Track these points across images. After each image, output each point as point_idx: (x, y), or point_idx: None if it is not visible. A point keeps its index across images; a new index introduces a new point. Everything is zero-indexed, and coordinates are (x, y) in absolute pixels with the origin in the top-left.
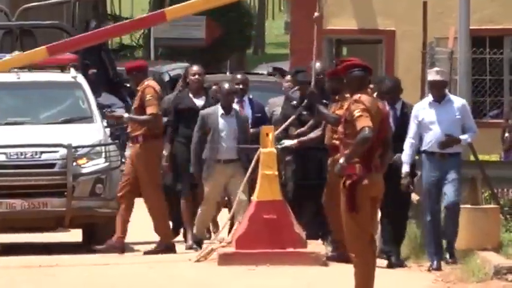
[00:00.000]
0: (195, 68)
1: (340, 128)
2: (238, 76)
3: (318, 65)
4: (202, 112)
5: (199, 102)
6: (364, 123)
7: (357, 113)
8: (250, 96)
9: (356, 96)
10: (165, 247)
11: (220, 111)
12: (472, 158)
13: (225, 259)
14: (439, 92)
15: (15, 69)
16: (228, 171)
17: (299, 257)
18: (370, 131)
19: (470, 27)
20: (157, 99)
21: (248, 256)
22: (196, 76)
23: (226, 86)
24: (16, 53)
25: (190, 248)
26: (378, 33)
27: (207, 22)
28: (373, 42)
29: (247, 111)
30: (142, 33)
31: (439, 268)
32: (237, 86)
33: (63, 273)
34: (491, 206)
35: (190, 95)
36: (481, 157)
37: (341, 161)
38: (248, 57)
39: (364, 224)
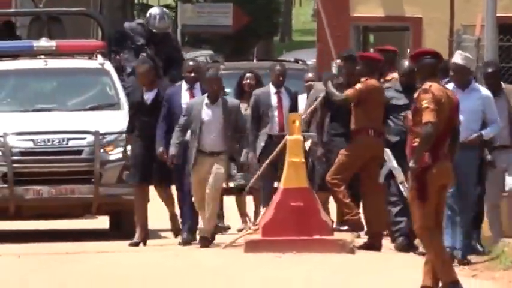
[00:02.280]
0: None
1: (410, 115)
2: (277, 67)
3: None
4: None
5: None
6: (429, 117)
7: (424, 104)
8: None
9: (426, 85)
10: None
11: (206, 100)
12: None
13: (252, 246)
14: (460, 77)
15: (43, 56)
16: (208, 162)
17: (326, 245)
18: (433, 126)
19: (497, 15)
20: None
21: (274, 243)
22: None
23: (210, 72)
24: (43, 39)
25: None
26: (405, 20)
27: (234, 9)
28: (400, 29)
29: (285, 102)
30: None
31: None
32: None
33: (90, 260)
34: None
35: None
36: None
37: (411, 164)
38: (275, 44)
39: (432, 213)
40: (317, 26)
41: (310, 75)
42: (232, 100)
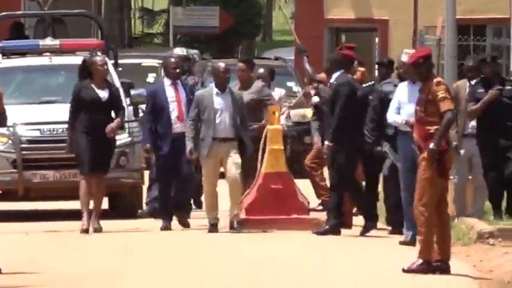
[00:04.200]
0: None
1: (419, 107)
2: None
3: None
4: (196, 93)
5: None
6: (447, 106)
7: (441, 94)
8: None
9: (437, 79)
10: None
11: (215, 90)
12: None
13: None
14: (410, 74)
15: (48, 53)
16: (223, 149)
17: (302, 223)
18: (452, 114)
19: (456, 17)
20: None
21: (256, 222)
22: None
23: (222, 64)
24: (48, 38)
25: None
26: (373, 22)
27: (221, 12)
28: (369, 30)
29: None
30: (163, 22)
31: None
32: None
33: (93, 236)
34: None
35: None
36: None
37: (431, 145)
38: (257, 44)
39: (438, 193)
40: (295, 27)
41: (261, 70)
42: (236, 90)
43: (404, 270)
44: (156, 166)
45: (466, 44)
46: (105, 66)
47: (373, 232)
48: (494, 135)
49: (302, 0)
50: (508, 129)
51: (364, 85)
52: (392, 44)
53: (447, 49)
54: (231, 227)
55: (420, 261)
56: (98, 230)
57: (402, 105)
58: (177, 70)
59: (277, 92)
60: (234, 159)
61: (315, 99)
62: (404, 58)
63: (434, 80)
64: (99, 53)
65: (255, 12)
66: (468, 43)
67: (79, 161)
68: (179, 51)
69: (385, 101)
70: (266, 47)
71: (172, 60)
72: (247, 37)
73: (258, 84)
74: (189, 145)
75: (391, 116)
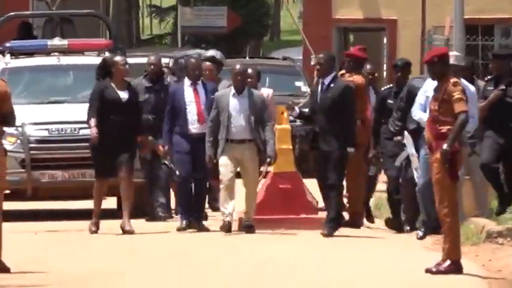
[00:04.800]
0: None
1: (433, 106)
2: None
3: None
4: (216, 93)
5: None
6: (462, 107)
7: (456, 95)
8: None
9: (454, 79)
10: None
11: (232, 91)
12: None
13: None
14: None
15: (56, 53)
16: (239, 151)
17: (311, 223)
18: (467, 115)
19: (465, 17)
20: None
21: (265, 222)
22: (207, 72)
23: (237, 66)
24: (56, 38)
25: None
26: (382, 21)
27: (228, 12)
28: (377, 30)
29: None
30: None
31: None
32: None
33: (102, 236)
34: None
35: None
36: None
37: (445, 146)
38: (265, 43)
39: (456, 191)
40: (303, 27)
41: (249, 71)
42: (257, 92)
43: (431, 272)
44: (173, 167)
45: (474, 44)
46: (126, 66)
47: (373, 232)
48: (497, 135)
49: (310, 0)
50: (510, 130)
51: (382, 89)
52: (400, 44)
53: (455, 49)
54: (245, 230)
55: (449, 262)
56: (130, 232)
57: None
58: (197, 72)
59: (265, 92)
60: (251, 163)
61: None
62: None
63: (451, 80)
64: (107, 53)
65: (263, 12)
66: (476, 43)
67: (94, 163)
68: (213, 53)
69: (414, 95)
70: (274, 46)
71: (193, 61)
72: (255, 37)
73: (225, 83)
74: (208, 151)
75: (417, 113)
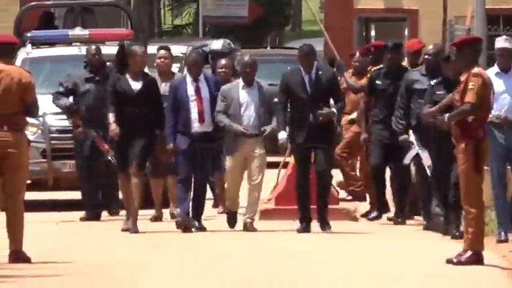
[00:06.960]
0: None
1: (457, 96)
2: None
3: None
4: (223, 87)
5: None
6: (471, 98)
7: (470, 85)
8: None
9: (476, 70)
10: None
11: (241, 83)
12: None
13: (266, 214)
14: (506, 60)
15: (77, 43)
16: (248, 145)
17: (332, 213)
18: (471, 107)
19: (486, 7)
20: None
21: (286, 212)
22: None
23: (246, 58)
24: (78, 28)
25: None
26: (403, 12)
27: (250, 2)
28: (398, 20)
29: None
30: (192, 12)
31: (506, 240)
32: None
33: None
34: None
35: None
36: None
37: (446, 116)
38: (286, 34)
39: (481, 182)
40: (324, 17)
41: (223, 61)
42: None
43: (452, 262)
44: (176, 166)
45: (495, 34)
46: (145, 58)
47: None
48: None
49: None
50: None
51: (373, 69)
52: (421, 34)
53: None
54: (245, 228)
55: (470, 252)
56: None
57: (496, 96)
58: (195, 68)
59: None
60: (260, 160)
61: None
62: (504, 44)
63: (472, 71)
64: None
65: (285, 2)
66: (498, 33)
67: (115, 158)
68: (217, 45)
69: (411, 89)
70: (295, 37)
71: (193, 55)
72: (277, 27)
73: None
74: (233, 127)
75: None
